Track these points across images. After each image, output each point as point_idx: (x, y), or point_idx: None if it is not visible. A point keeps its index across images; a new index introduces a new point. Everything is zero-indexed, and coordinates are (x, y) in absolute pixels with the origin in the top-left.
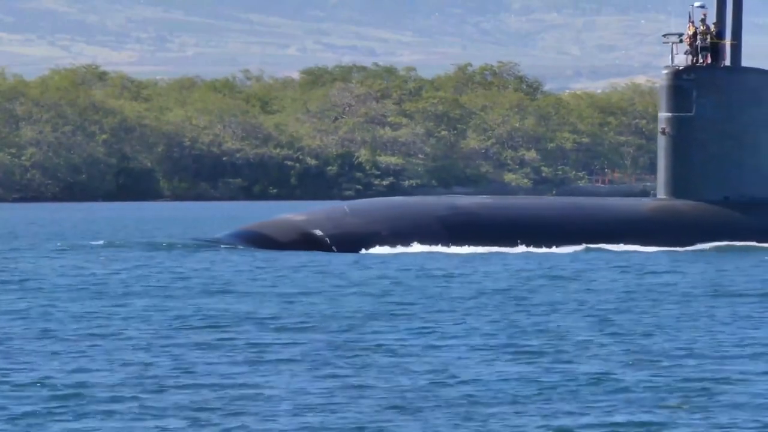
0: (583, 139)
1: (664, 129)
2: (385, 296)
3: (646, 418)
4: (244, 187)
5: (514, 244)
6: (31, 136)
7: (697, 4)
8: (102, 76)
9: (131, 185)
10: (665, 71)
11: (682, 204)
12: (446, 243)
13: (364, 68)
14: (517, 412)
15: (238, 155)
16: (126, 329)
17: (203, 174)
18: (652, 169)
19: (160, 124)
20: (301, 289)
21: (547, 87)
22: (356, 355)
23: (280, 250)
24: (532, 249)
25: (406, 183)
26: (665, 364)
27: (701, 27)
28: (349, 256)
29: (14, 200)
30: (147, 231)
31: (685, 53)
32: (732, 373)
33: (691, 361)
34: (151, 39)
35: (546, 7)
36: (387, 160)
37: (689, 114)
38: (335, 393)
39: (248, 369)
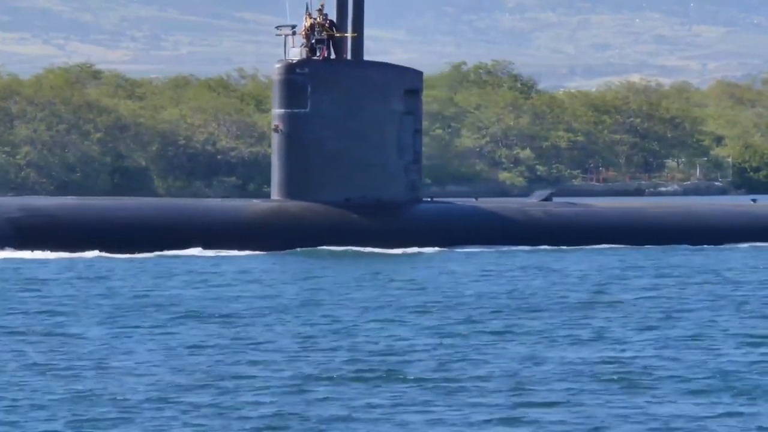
0: (578, 138)
1: (277, 126)
2: None
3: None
4: (238, 186)
5: (92, 248)
6: (26, 135)
7: None
8: (96, 75)
9: (126, 184)
10: (278, 65)
11: (296, 206)
12: (18, 247)
13: None
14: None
15: (232, 153)
16: None
17: (198, 172)
18: (646, 167)
19: (154, 122)
20: None
21: (541, 85)
22: None
23: None
24: (110, 255)
25: None
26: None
27: (318, 19)
28: None
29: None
30: None
31: (301, 46)
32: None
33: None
34: (146, 38)
35: (540, 5)
36: None
37: (304, 110)
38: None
39: None
